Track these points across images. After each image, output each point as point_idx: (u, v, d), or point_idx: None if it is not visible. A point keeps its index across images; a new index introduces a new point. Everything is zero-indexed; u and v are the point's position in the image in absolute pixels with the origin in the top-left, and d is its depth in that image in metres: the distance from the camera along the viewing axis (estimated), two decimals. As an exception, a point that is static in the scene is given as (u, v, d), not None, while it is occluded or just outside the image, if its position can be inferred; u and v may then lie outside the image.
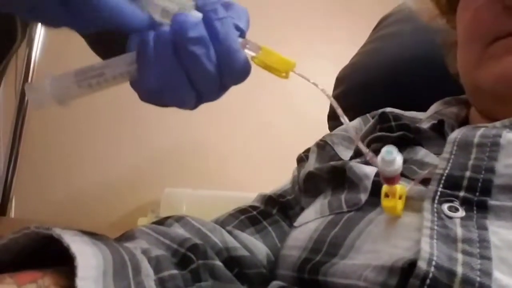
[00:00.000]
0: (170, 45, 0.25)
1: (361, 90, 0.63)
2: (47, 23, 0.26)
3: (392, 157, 0.25)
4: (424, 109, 0.46)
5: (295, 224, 0.37)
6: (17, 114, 1.11)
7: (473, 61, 0.36)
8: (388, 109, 0.43)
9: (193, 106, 0.28)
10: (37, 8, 0.24)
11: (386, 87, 0.60)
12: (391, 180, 0.27)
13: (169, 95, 0.27)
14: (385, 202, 0.28)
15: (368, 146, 0.38)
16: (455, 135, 0.31)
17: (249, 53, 0.28)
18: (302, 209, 0.40)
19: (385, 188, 0.27)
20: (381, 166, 0.26)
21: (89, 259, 0.22)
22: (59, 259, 0.24)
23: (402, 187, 0.28)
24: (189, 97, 0.27)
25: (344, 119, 0.28)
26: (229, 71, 0.27)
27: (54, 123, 1.50)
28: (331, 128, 0.67)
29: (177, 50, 0.25)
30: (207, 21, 0.26)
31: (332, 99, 0.28)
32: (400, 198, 0.28)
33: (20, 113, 1.12)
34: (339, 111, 0.28)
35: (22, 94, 1.12)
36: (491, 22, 0.34)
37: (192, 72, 0.26)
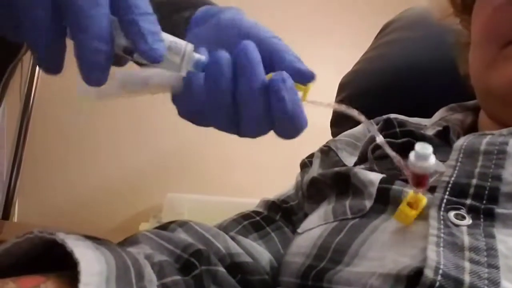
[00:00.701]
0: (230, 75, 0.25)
1: (364, 96, 0.63)
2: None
3: (427, 151, 0.24)
4: (427, 115, 0.46)
5: (299, 230, 0.37)
6: (21, 119, 1.12)
7: (487, 62, 0.35)
8: (393, 115, 0.43)
9: (229, 132, 0.28)
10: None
11: (389, 93, 0.60)
12: (420, 181, 0.26)
13: (208, 122, 0.27)
14: (406, 209, 0.27)
15: (372, 152, 0.38)
16: (461, 142, 0.31)
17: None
18: (306, 215, 0.39)
19: (410, 196, 0.27)
20: (413, 162, 0.25)
21: (92, 264, 0.22)
22: (62, 263, 0.24)
23: (424, 199, 0.27)
24: (229, 129, 0.27)
25: (370, 125, 0.28)
26: (286, 133, 0.26)
27: (58, 128, 1.50)
28: (334, 134, 0.66)
29: (236, 82, 0.25)
30: (275, 91, 0.25)
31: (354, 111, 0.27)
32: (417, 204, 0.27)
33: (24, 118, 1.12)
34: (366, 121, 0.27)
35: (27, 99, 1.13)
36: (509, 23, 0.33)
37: (244, 107, 0.26)
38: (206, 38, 0.30)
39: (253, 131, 0.27)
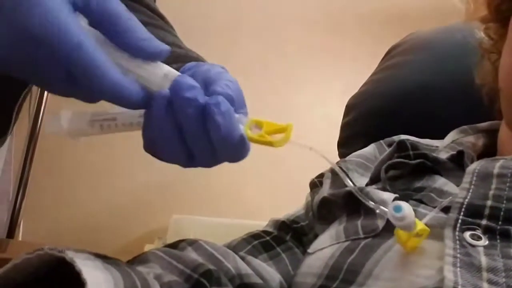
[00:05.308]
0: (166, 104, 0.27)
1: (371, 117, 0.63)
2: (50, 90, 0.28)
3: (401, 213, 0.25)
4: (432, 136, 0.46)
5: (309, 250, 0.36)
6: (29, 139, 1.13)
7: None
8: (403, 136, 0.43)
9: (185, 166, 0.29)
10: (42, 79, 0.26)
11: (395, 114, 0.60)
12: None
13: (161, 151, 0.29)
14: (400, 233, 0.27)
15: (385, 172, 0.38)
16: (474, 166, 0.31)
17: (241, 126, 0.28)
18: (316, 236, 0.39)
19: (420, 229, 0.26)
20: (394, 222, 0.26)
21: (100, 285, 0.22)
22: (70, 278, 0.24)
23: (423, 227, 0.26)
24: (180, 157, 0.28)
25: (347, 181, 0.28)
26: (227, 155, 0.28)
27: (65, 149, 1.51)
28: (341, 155, 0.66)
29: (174, 110, 0.27)
30: (209, 114, 0.26)
31: (331, 161, 0.28)
32: (418, 235, 0.26)
33: (32, 138, 1.13)
34: (342, 174, 0.28)
35: (35, 119, 1.14)
36: None
37: (184, 133, 0.27)
38: None
39: (204, 163, 0.28)
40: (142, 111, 0.28)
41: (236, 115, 0.27)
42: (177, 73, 0.28)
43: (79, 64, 0.24)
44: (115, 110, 0.28)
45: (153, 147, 0.29)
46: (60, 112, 0.29)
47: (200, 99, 0.26)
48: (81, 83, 0.25)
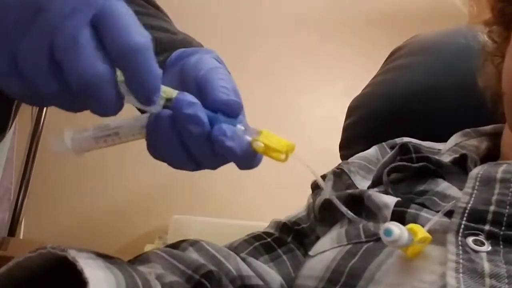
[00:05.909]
0: (170, 124, 0.27)
1: (373, 119, 0.64)
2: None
3: (392, 237, 0.25)
4: (433, 139, 0.46)
5: (310, 253, 0.36)
6: (32, 138, 1.13)
7: None
8: (406, 139, 0.43)
9: (192, 171, 0.30)
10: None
11: (397, 117, 0.60)
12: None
13: (168, 161, 0.29)
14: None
15: (388, 175, 0.38)
16: (477, 171, 0.31)
17: (248, 138, 0.28)
18: (318, 238, 0.39)
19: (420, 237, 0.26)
20: (388, 244, 0.26)
21: (101, 285, 0.22)
22: (72, 277, 0.24)
23: (424, 235, 0.26)
24: (187, 166, 0.29)
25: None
26: (242, 166, 0.28)
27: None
28: (343, 157, 0.66)
29: (177, 127, 0.27)
30: (218, 142, 0.26)
31: (322, 182, 0.29)
32: (422, 241, 0.26)
33: (35, 137, 1.14)
34: (335, 201, 0.29)
35: (37, 120, 1.14)
36: None
37: (190, 148, 0.27)
38: (171, 81, 0.32)
39: (210, 167, 0.29)
40: (144, 122, 0.28)
41: (242, 127, 0.27)
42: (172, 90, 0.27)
43: (105, 12, 0.22)
44: (116, 124, 0.28)
45: (159, 156, 0.29)
46: (63, 131, 0.28)
47: (201, 115, 0.26)
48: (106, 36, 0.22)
